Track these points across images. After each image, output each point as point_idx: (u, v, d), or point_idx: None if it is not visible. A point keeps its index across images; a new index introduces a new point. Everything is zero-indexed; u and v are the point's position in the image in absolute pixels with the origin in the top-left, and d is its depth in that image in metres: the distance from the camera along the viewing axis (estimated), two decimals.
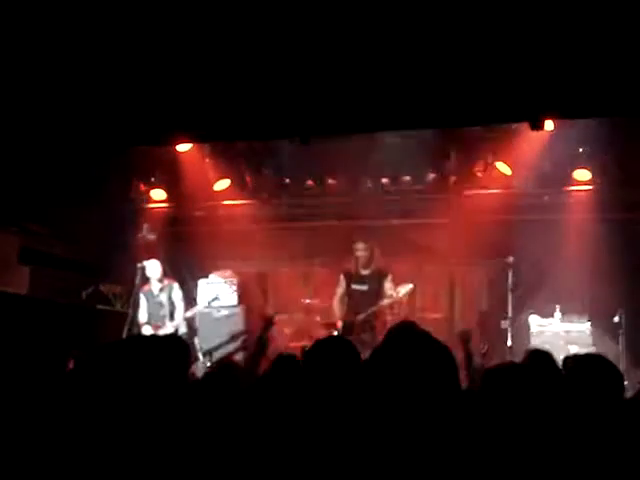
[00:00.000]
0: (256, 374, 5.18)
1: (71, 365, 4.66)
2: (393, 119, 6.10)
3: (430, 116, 6.07)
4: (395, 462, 2.18)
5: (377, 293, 9.14)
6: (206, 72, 6.18)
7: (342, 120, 6.18)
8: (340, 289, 9.46)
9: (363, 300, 9.13)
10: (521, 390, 2.63)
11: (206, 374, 5.37)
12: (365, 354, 3.21)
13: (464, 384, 5.17)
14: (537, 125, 6.33)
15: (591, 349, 8.59)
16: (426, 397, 2.22)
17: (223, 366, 5.51)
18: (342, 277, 9.43)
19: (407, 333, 2.43)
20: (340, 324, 9.17)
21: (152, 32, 6.00)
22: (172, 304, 9.73)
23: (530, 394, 2.62)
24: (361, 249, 9.21)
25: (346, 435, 2.40)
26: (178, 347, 3.70)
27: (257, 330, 6.49)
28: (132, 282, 9.54)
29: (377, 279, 9.17)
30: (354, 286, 9.28)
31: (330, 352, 3.26)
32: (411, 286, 9.14)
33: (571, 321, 9.47)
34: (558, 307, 9.52)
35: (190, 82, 6.25)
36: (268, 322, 6.12)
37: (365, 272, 9.25)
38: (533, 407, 2.57)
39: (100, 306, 9.93)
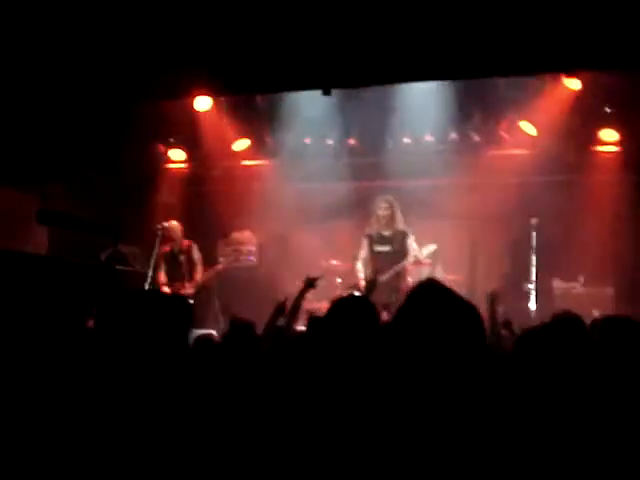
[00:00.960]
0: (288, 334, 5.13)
1: (91, 324, 4.62)
2: (419, 70, 5.96)
3: (462, 66, 5.92)
4: (420, 425, 2.11)
5: (401, 254, 9.02)
6: (225, 24, 6.07)
7: (364, 71, 6.05)
8: (363, 251, 9.34)
9: (386, 261, 9.02)
10: (554, 353, 2.54)
11: (224, 336, 5.31)
12: (389, 314, 3.14)
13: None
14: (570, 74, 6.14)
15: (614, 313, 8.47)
16: (453, 355, 2.14)
17: (239, 327, 5.46)
18: (365, 239, 9.31)
19: (431, 290, 2.33)
20: (362, 284, 9.07)
21: None
22: (191, 265, 9.69)
23: (563, 357, 2.53)
24: (383, 207, 9.06)
25: (368, 396, 2.33)
26: (180, 306, 3.63)
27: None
28: (151, 243, 9.48)
29: (400, 240, 9.05)
30: (377, 247, 9.16)
31: (349, 311, 3.20)
32: (434, 247, 9.03)
33: (594, 284, 9.34)
34: (582, 271, 9.39)
35: (208, 33, 6.14)
36: (308, 285, 6.01)
37: (387, 233, 9.12)
38: (566, 370, 2.49)
39: (119, 266, 9.89)
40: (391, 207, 9.07)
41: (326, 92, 6.52)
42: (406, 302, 2.34)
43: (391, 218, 9.06)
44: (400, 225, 9.11)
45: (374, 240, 9.20)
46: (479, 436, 2.06)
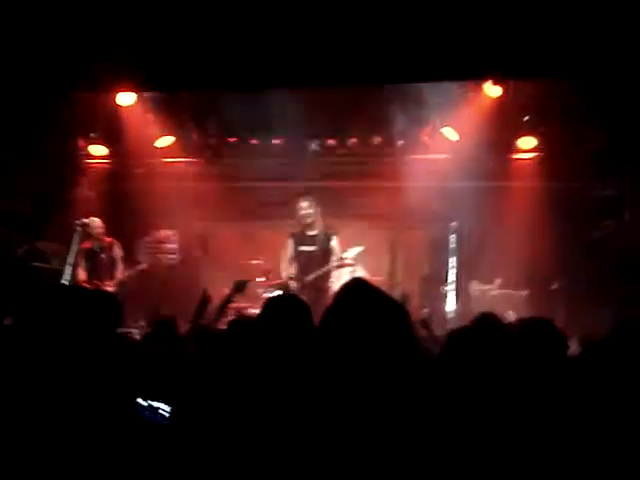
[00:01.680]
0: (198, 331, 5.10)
1: (8, 321, 4.51)
2: (346, 73, 6.02)
3: (387, 71, 6.01)
4: (353, 428, 2.13)
5: (325, 254, 9.07)
6: (152, 17, 6.00)
7: (290, 73, 6.08)
8: (288, 251, 9.34)
9: (311, 261, 9.05)
10: (480, 353, 2.61)
11: (145, 335, 5.25)
12: (314, 315, 3.16)
13: None
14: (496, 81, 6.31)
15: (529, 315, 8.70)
16: (384, 355, 2.17)
17: (162, 323, 5.42)
18: (290, 240, 9.32)
19: (359, 290, 2.36)
20: (290, 284, 9.09)
21: None
22: (113, 262, 9.53)
23: (488, 357, 2.61)
24: (305, 207, 9.09)
25: (300, 399, 2.34)
26: (108, 302, 3.59)
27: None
28: (70, 240, 9.29)
29: (324, 239, 9.09)
30: (302, 247, 9.17)
31: (283, 310, 3.21)
32: (361, 248, 9.10)
33: (510, 287, 9.59)
34: (498, 273, 9.63)
35: (134, 26, 6.06)
36: (239, 286, 5.98)
37: (312, 233, 9.15)
38: (490, 370, 2.56)
39: (37, 263, 9.66)
40: (313, 206, 9.11)
41: (246, 91, 6.50)
42: (335, 302, 2.35)
43: (313, 218, 9.10)
44: (324, 225, 9.16)
45: (298, 240, 9.21)
46: (409, 436, 2.10)
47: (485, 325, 4.19)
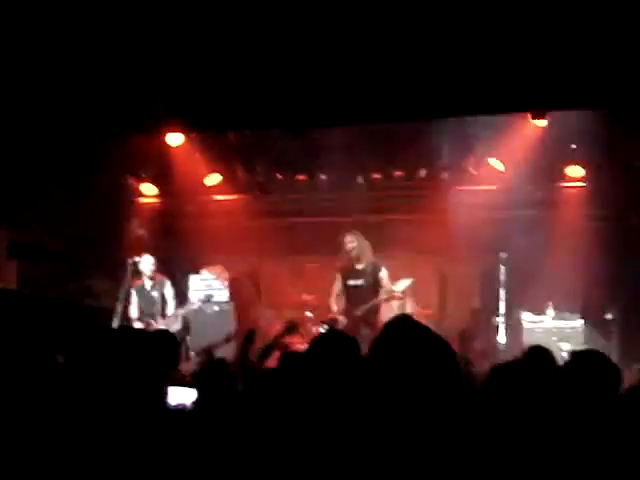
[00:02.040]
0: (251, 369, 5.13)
1: (60, 359, 4.59)
2: (389, 110, 6.06)
3: (431, 106, 6.04)
4: (398, 460, 2.13)
5: (374, 287, 9.08)
6: (199, 61, 6.13)
7: (336, 112, 6.15)
8: (337, 286, 9.40)
9: (360, 295, 9.08)
10: (525, 388, 2.58)
11: (198, 371, 5.29)
12: (364, 349, 3.16)
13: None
14: (538, 114, 6.32)
15: (583, 346, 8.55)
16: (428, 392, 2.17)
17: (214, 363, 5.45)
18: (338, 274, 9.37)
19: (405, 327, 2.37)
20: (340, 319, 9.12)
21: (143, 19, 5.94)
22: (164, 300, 9.63)
23: (534, 392, 2.58)
24: (349, 241, 9.14)
25: (347, 433, 2.35)
26: (168, 342, 3.64)
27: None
28: (121, 277, 9.44)
29: (372, 273, 9.11)
30: (350, 282, 9.21)
31: (331, 348, 3.22)
32: (410, 280, 9.07)
33: (563, 318, 9.44)
34: (550, 304, 9.49)
35: (182, 70, 6.20)
36: (291, 328, 6.03)
37: (360, 266, 9.18)
38: (536, 405, 2.53)
39: (88, 301, 9.83)
40: (357, 240, 9.15)
41: (297, 133, 6.59)
42: (380, 338, 2.36)
43: (359, 252, 9.13)
44: (371, 258, 9.18)
45: (347, 274, 9.24)
46: (449, 464, 2.09)
47: (530, 359, 4.14)
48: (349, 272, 9.25)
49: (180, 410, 3.41)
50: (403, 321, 2.38)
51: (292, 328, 6.02)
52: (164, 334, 4.56)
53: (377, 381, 2.21)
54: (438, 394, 2.17)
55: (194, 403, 4.21)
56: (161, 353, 3.41)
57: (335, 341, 3.29)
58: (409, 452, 2.12)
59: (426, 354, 2.22)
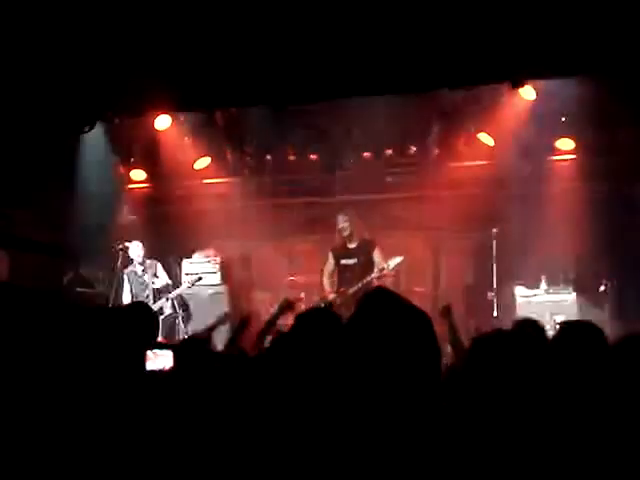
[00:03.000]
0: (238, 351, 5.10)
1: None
2: (372, 84, 6.03)
3: (411, 80, 6.00)
4: (376, 440, 2.11)
5: (366, 265, 9.08)
6: (181, 41, 6.08)
7: (318, 86, 6.11)
8: (329, 265, 9.42)
9: (353, 274, 9.10)
10: (509, 357, 2.56)
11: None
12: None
13: (451, 359, 5.15)
14: (517, 84, 6.31)
15: (577, 318, 8.56)
16: (406, 363, 2.14)
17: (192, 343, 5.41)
18: (331, 253, 9.38)
19: (381, 298, 2.33)
20: (331, 297, 9.12)
21: (124, 2, 5.88)
22: (160, 282, 9.65)
23: (518, 361, 2.56)
24: (342, 221, 9.16)
25: (327, 409, 2.33)
26: (143, 314, 3.63)
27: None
28: (112, 264, 9.43)
29: (365, 251, 9.13)
30: (343, 261, 9.24)
31: (314, 325, 3.20)
32: (401, 258, 9.06)
33: (557, 291, 9.45)
34: (544, 278, 9.49)
35: (164, 51, 6.14)
36: (286, 306, 5.96)
37: (352, 245, 9.20)
38: (521, 374, 2.51)
39: (81, 289, 9.80)
40: (350, 220, 9.15)
41: (279, 108, 6.56)
42: (356, 312, 2.33)
43: (351, 231, 9.13)
44: (364, 236, 9.18)
45: (339, 254, 9.25)
46: (429, 445, 2.07)
47: (516, 331, 4.12)
48: (342, 251, 9.26)
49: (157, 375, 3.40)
50: (379, 293, 2.35)
51: (286, 307, 5.95)
52: (139, 306, 4.52)
53: (353, 352, 2.19)
54: (416, 365, 2.14)
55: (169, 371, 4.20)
56: (137, 324, 3.39)
57: (316, 318, 3.28)
58: (388, 425, 2.10)
59: (403, 324, 2.19)
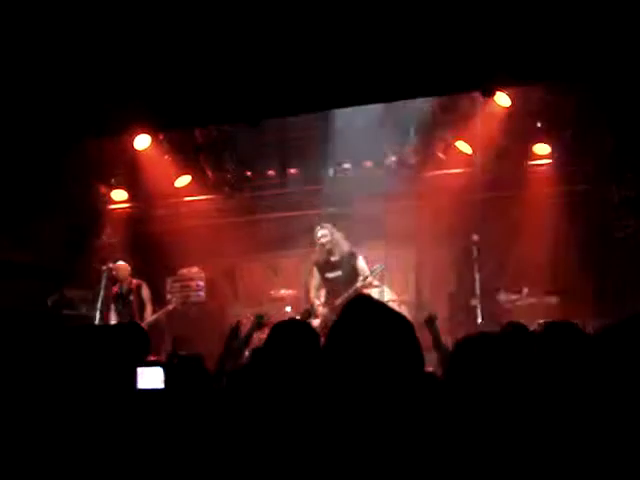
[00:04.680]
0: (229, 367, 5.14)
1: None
2: (344, 96, 6.10)
3: (383, 90, 6.08)
4: (360, 446, 2.14)
5: (351, 276, 9.10)
6: (157, 62, 6.13)
7: (293, 100, 6.17)
8: (314, 280, 9.43)
9: (339, 286, 9.10)
10: (491, 357, 2.61)
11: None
12: None
13: (437, 366, 5.21)
14: (487, 93, 6.40)
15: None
16: (388, 368, 2.18)
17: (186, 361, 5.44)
18: (315, 268, 9.39)
19: (363, 305, 2.37)
20: (319, 310, 9.14)
21: (104, 23, 5.92)
22: (141, 304, 9.62)
23: (501, 360, 2.60)
24: (323, 235, 9.18)
25: (306, 421, 2.36)
26: (134, 332, 3.67)
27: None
28: (97, 285, 9.43)
29: (348, 262, 9.16)
30: (328, 274, 9.26)
31: (287, 336, 3.25)
32: (382, 266, 9.12)
33: (539, 295, 9.51)
34: (526, 282, 9.56)
35: (140, 72, 6.19)
36: (259, 322, 5.99)
37: (335, 258, 9.21)
38: (504, 373, 2.56)
39: (66, 311, 9.78)
40: (331, 234, 9.18)
41: (254, 124, 6.63)
42: (339, 318, 2.37)
43: (333, 245, 9.16)
44: (346, 248, 9.21)
45: (323, 267, 9.27)
46: (414, 450, 2.11)
47: (501, 333, 4.18)
48: (325, 265, 9.28)
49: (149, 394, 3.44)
50: (361, 300, 2.39)
51: (260, 323, 5.99)
52: (129, 325, 4.57)
53: (336, 359, 2.23)
54: (398, 369, 2.18)
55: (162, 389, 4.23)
56: (127, 342, 3.43)
57: (289, 328, 3.33)
58: (372, 428, 2.13)
59: (385, 329, 2.24)
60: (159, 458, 3.10)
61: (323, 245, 9.18)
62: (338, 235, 9.24)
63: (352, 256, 9.19)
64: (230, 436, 2.96)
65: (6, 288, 9.33)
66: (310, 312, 8.85)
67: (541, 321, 8.29)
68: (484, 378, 2.55)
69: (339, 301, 8.97)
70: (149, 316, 9.58)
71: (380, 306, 2.32)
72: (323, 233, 9.18)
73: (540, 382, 2.96)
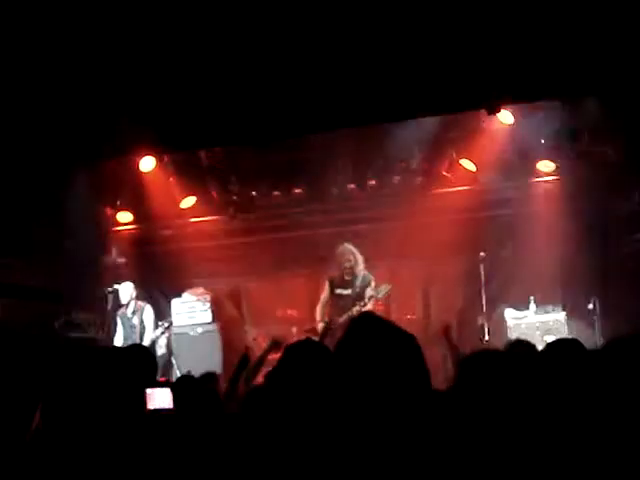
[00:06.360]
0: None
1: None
2: (350, 116, 6.12)
3: (388, 109, 6.09)
4: (370, 462, 2.13)
5: (360, 297, 9.05)
6: (164, 83, 6.16)
7: (300, 121, 6.19)
8: (324, 294, 9.38)
9: (345, 303, 9.05)
10: (497, 375, 2.59)
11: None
12: None
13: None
14: (492, 110, 6.42)
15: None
16: (394, 385, 2.17)
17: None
18: (327, 282, 9.35)
19: (368, 323, 2.36)
20: (320, 327, 9.10)
21: (110, 46, 5.96)
22: (143, 326, 9.59)
23: (506, 378, 2.59)
24: (346, 259, 9.12)
25: (321, 436, 2.35)
26: (140, 355, 3.67)
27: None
28: (104, 307, 9.43)
29: (361, 284, 9.09)
30: (338, 290, 9.21)
31: (300, 358, 3.23)
32: (389, 286, 9.09)
33: (546, 311, 9.49)
34: (532, 299, 9.53)
35: (144, 94, 6.22)
36: (275, 344, 5.98)
37: (349, 277, 9.17)
38: (509, 389, 2.55)
39: (73, 334, 9.77)
40: (354, 257, 9.14)
41: (261, 145, 6.66)
42: (344, 336, 2.36)
43: (354, 265, 9.13)
44: (362, 270, 9.17)
45: (336, 283, 9.23)
46: (421, 466, 2.09)
47: (506, 351, 4.16)
48: (338, 281, 9.23)
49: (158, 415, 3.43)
50: (366, 317, 2.38)
51: (276, 345, 5.97)
52: (136, 347, 4.57)
53: (342, 378, 2.22)
54: (405, 386, 2.17)
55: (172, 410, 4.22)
56: (135, 364, 3.43)
57: (302, 349, 3.31)
58: (381, 443, 2.13)
59: (390, 347, 2.23)
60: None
61: (344, 267, 9.13)
62: (360, 257, 9.18)
63: (366, 279, 9.13)
64: (245, 457, 2.95)
65: (13, 311, 9.35)
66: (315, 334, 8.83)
67: (549, 339, 8.30)
68: (489, 395, 2.54)
69: (343, 319, 8.92)
70: (148, 339, 9.49)
71: (385, 324, 2.31)
72: (347, 257, 9.13)
73: (545, 399, 2.94)
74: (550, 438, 2.60)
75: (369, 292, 9.03)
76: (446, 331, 5.63)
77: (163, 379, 8.26)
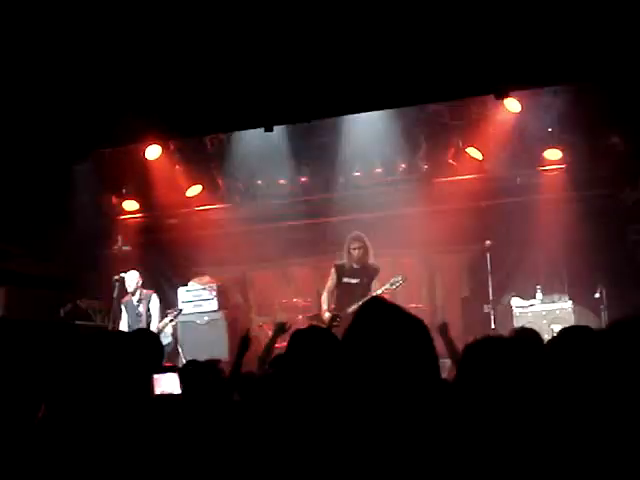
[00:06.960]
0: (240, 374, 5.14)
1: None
2: (356, 101, 6.10)
3: (395, 95, 6.07)
4: (377, 450, 2.12)
5: (367, 287, 8.99)
6: (169, 70, 6.15)
7: (305, 105, 6.17)
8: (331, 282, 9.29)
9: (353, 293, 8.94)
10: (501, 360, 2.58)
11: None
12: None
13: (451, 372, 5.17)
14: (501, 96, 6.39)
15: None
16: (404, 368, 2.16)
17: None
18: (334, 270, 9.29)
19: (378, 307, 2.35)
20: (326, 316, 9.05)
21: (116, 34, 5.95)
22: (149, 315, 9.60)
23: (510, 364, 2.57)
24: (356, 247, 9.05)
25: (328, 422, 2.35)
26: (146, 339, 3.67)
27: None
28: (110, 295, 9.44)
29: (368, 274, 9.02)
30: (345, 279, 9.13)
31: (307, 344, 3.23)
32: (402, 277, 9.02)
33: (553, 300, 9.47)
34: (539, 288, 9.52)
35: (149, 81, 6.21)
36: (280, 329, 5.99)
37: (358, 266, 9.11)
38: (514, 377, 2.53)
39: (79, 322, 9.79)
40: (364, 245, 9.07)
41: (268, 129, 6.63)
42: (354, 321, 2.35)
43: (363, 255, 9.06)
44: (371, 260, 9.10)
45: (344, 272, 9.15)
46: (427, 454, 2.09)
47: (512, 338, 4.14)
48: (345, 269, 9.15)
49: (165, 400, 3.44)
50: (376, 302, 2.37)
51: (282, 328, 6.00)
52: (143, 332, 4.58)
53: (351, 363, 2.21)
54: (415, 370, 2.17)
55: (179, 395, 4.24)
56: (142, 349, 3.43)
57: (309, 335, 3.31)
58: (391, 429, 2.12)
59: (400, 331, 2.22)
60: (177, 464, 3.10)
61: (353, 255, 9.07)
62: (370, 246, 9.11)
63: (374, 270, 9.07)
64: (251, 443, 2.96)
65: (20, 298, 9.38)
66: (322, 321, 8.82)
67: (555, 327, 8.29)
68: (493, 382, 2.52)
69: (351, 309, 8.85)
70: (154, 328, 9.49)
71: (395, 308, 2.31)
72: (357, 245, 9.06)
73: (552, 387, 2.93)
74: (558, 425, 2.59)
75: (376, 284, 8.98)
76: (442, 329, 5.59)
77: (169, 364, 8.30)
